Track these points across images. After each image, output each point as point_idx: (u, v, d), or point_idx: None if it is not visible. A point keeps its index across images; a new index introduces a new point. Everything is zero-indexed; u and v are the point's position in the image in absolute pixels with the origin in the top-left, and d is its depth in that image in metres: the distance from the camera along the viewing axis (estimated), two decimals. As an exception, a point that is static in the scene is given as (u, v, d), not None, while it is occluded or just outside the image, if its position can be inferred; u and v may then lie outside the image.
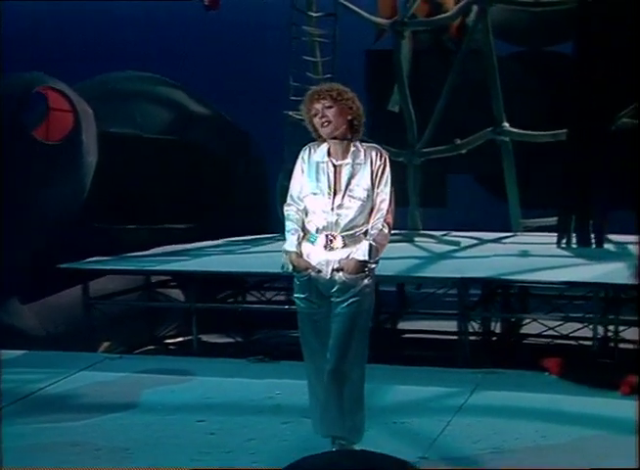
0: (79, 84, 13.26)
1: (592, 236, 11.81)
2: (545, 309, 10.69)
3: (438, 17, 14.28)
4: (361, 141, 5.41)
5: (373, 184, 5.29)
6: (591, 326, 9.45)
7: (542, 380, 7.91)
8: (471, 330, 9.45)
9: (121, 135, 13.33)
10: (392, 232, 5.46)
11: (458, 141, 13.61)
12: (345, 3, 13.97)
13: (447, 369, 8.29)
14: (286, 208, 5.47)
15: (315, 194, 5.30)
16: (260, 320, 12.03)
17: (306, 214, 5.37)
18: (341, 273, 5.25)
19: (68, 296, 11.27)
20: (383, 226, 5.27)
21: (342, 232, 5.26)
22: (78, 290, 10.51)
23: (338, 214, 5.25)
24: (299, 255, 5.33)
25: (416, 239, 12.66)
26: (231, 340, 11.79)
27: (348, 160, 5.32)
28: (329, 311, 5.33)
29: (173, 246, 11.96)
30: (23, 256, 11.37)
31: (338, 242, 5.27)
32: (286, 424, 6.59)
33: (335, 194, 5.28)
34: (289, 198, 5.46)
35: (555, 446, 6.11)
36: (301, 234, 5.37)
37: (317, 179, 5.32)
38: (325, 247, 5.27)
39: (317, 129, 5.34)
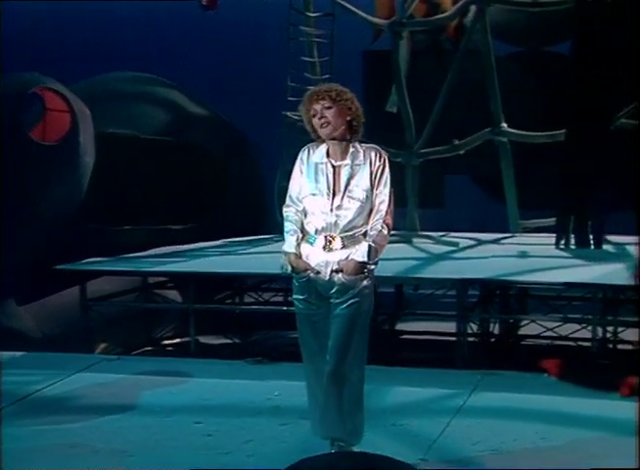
0: (76, 85, 13.22)
1: (591, 237, 11.80)
2: (544, 310, 10.68)
3: (436, 17, 14.29)
4: (360, 142, 5.39)
5: (372, 185, 5.27)
6: (590, 327, 9.42)
7: (541, 381, 7.91)
8: (469, 331, 9.42)
9: (119, 136, 13.28)
10: (391, 233, 5.43)
11: (456, 142, 13.60)
12: (343, 3, 13.96)
13: (446, 370, 8.28)
14: (285, 209, 5.46)
15: (314, 195, 5.28)
16: (258, 321, 12.00)
17: (305, 215, 5.35)
18: (340, 274, 5.23)
19: (64, 297, 11.22)
20: (382, 227, 5.26)
21: (341, 233, 5.24)
22: (75, 291, 10.45)
23: (337, 215, 5.23)
24: (299, 256, 5.31)
25: (414, 240, 12.65)
26: (229, 341, 11.76)
27: (347, 160, 5.30)
28: (328, 313, 5.31)
29: (171, 247, 11.92)
30: (20, 257, 11.33)
31: (337, 243, 5.25)
32: (284, 425, 6.57)
33: (334, 195, 5.26)
34: (288, 199, 5.44)
35: (554, 447, 6.10)
36: (300, 235, 5.35)
37: (316, 180, 5.30)
38: (324, 248, 5.26)
39: (316, 130, 5.32)
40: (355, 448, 5.39)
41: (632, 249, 10.59)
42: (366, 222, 5.28)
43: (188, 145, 13.98)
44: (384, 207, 5.27)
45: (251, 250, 11.96)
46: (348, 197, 5.25)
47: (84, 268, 10.24)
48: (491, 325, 11.07)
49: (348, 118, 5.29)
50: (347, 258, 5.23)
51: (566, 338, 10.65)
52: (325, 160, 5.32)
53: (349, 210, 5.24)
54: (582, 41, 12.19)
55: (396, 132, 13.40)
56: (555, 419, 6.66)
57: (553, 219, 12.49)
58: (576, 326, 10.31)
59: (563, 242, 11.91)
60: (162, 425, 6.64)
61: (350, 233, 5.25)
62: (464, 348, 8.89)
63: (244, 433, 6.42)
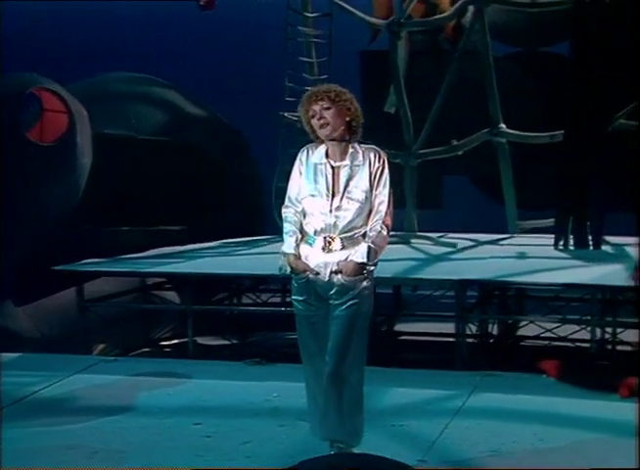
0: (73, 85, 13.20)
1: (589, 238, 11.78)
2: (542, 311, 10.67)
3: (435, 17, 14.28)
4: (359, 142, 5.37)
5: (371, 186, 5.25)
6: (589, 328, 9.41)
7: (540, 382, 7.90)
8: (468, 332, 9.41)
9: (116, 136, 13.28)
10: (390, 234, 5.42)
11: (454, 142, 13.59)
12: (341, 3, 13.95)
13: (445, 371, 8.27)
14: (284, 209, 5.44)
15: (313, 196, 5.27)
16: (256, 322, 11.99)
17: (304, 216, 5.34)
18: (339, 275, 5.22)
19: (62, 298, 11.21)
20: (381, 228, 5.24)
21: (340, 234, 5.23)
22: (73, 292, 10.45)
23: (336, 216, 5.22)
24: (298, 257, 5.29)
25: (412, 241, 12.63)
26: (227, 342, 11.74)
27: (347, 161, 5.29)
28: (327, 314, 5.30)
29: (168, 248, 11.90)
30: (18, 257, 11.32)
31: (336, 244, 5.23)
32: (283, 427, 6.56)
33: (333, 196, 5.24)
34: (287, 200, 5.43)
35: (554, 448, 6.09)
36: (299, 236, 5.34)
37: (315, 181, 5.28)
38: (323, 249, 5.24)
39: (315, 131, 5.30)
40: (355, 450, 5.38)
41: (631, 250, 10.59)
42: (365, 223, 5.26)
43: (185, 145, 13.97)
44: (383, 207, 5.25)
45: (249, 251, 11.93)
46: (348, 198, 5.23)
47: (82, 269, 10.22)
48: (490, 326, 11.06)
49: (347, 119, 5.27)
50: (347, 259, 5.21)
51: (565, 339, 10.65)
52: (324, 160, 5.30)
53: (349, 210, 5.22)
54: (580, 42, 12.18)
55: (395, 133, 13.40)
56: (554, 420, 6.65)
57: (552, 220, 12.48)
58: (575, 327, 10.30)
59: (561, 243, 11.90)
60: (161, 426, 6.63)
61: (350, 234, 5.23)
62: (463, 349, 8.88)
63: (242, 434, 6.40)
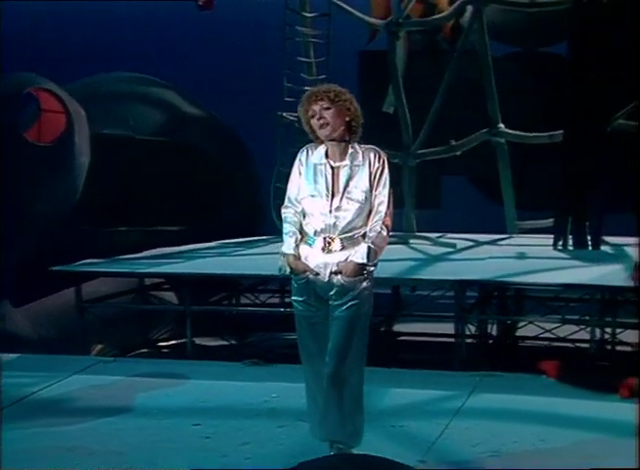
0: (71, 85, 13.19)
1: (589, 238, 11.78)
2: (541, 312, 10.66)
3: (433, 17, 14.27)
4: (358, 142, 5.35)
5: (371, 186, 5.24)
6: (588, 329, 9.39)
7: (540, 383, 7.88)
8: (467, 333, 9.40)
9: (114, 137, 13.25)
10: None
11: (453, 142, 13.59)
12: (339, 3, 13.94)
13: (444, 372, 8.25)
14: (283, 210, 5.42)
15: (313, 196, 5.25)
16: (254, 323, 11.97)
17: (304, 217, 5.32)
18: (339, 276, 5.20)
19: (60, 298, 11.20)
20: (381, 229, 5.22)
21: (340, 235, 5.21)
22: (71, 293, 10.43)
23: (336, 217, 5.20)
24: (297, 257, 5.27)
25: (411, 241, 12.61)
26: (225, 343, 11.73)
27: (347, 161, 5.27)
28: (327, 314, 5.28)
29: (166, 248, 11.88)
30: (16, 258, 11.29)
31: (336, 244, 5.21)
32: (281, 428, 6.54)
33: (333, 196, 5.22)
34: (286, 200, 5.41)
35: (554, 449, 6.07)
36: (299, 236, 5.32)
37: (315, 181, 5.26)
38: (323, 249, 5.22)
39: (315, 131, 5.28)
40: (354, 451, 5.36)
41: (630, 250, 10.59)
42: (365, 224, 5.24)
43: (183, 145, 13.95)
44: (383, 208, 5.23)
45: (247, 251, 11.91)
46: (347, 198, 5.21)
47: (80, 270, 10.20)
48: (489, 326, 11.05)
49: (347, 119, 5.25)
50: (347, 259, 5.19)
51: (564, 339, 10.63)
52: (324, 161, 5.28)
53: (348, 211, 5.20)
54: (579, 42, 12.18)
55: (393, 133, 13.38)
56: (554, 421, 6.64)
57: (551, 220, 12.48)
58: (575, 327, 10.29)
59: (561, 243, 11.89)
60: (160, 427, 6.61)
61: (349, 234, 5.21)
62: (462, 349, 8.86)
63: (241, 435, 6.39)
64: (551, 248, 11.84)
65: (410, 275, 9.85)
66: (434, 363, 8.78)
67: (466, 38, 13.70)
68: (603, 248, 11.77)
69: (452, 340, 9.18)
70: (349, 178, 5.23)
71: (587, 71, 11.86)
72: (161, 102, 14.49)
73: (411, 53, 14.66)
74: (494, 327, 11.12)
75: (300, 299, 5.32)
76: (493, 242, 12.76)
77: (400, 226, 12.97)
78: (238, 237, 13.13)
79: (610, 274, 9.43)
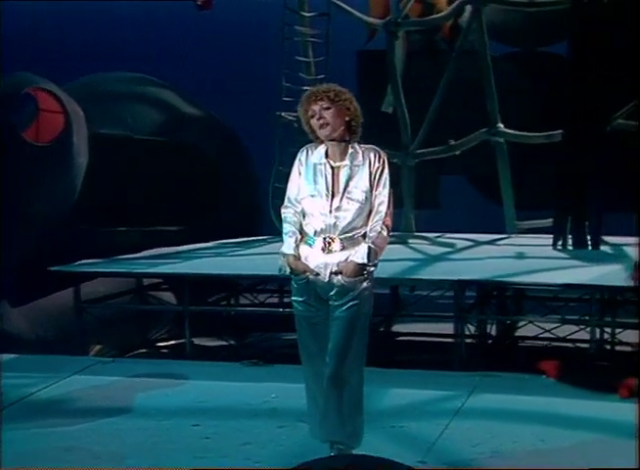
0: (69, 85, 13.16)
1: (588, 238, 11.77)
2: (541, 312, 10.64)
3: (432, 17, 14.25)
4: (358, 142, 5.33)
5: (371, 186, 5.22)
6: (588, 329, 9.38)
7: (540, 383, 7.89)
8: (466, 333, 9.39)
9: (112, 136, 13.23)
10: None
11: (452, 142, 13.57)
12: (338, 2, 13.91)
13: (444, 372, 8.26)
14: (283, 210, 5.41)
15: (313, 196, 5.24)
16: (253, 323, 11.96)
17: (304, 217, 5.31)
18: (339, 276, 5.18)
19: (58, 299, 11.17)
20: (382, 229, 5.21)
21: (340, 235, 5.19)
22: (69, 293, 10.41)
23: (336, 217, 5.19)
24: (297, 257, 5.26)
25: (410, 241, 12.60)
26: (224, 343, 11.71)
27: (346, 161, 5.25)
28: (327, 315, 5.27)
29: (165, 248, 11.87)
30: (14, 258, 11.27)
31: (336, 245, 5.20)
32: (282, 428, 6.55)
33: (333, 196, 5.21)
34: (286, 200, 5.40)
35: (554, 449, 6.07)
36: (299, 237, 5.31)
37: (315, 181, 5.25)
38: (323, 249, 5.21)
39: (315, 131, 5.27)
40: (355, 451, 5.34)
41: (630, 250, 10.57)
42: (365, 224, 5.23)
43: (181, 145, 13.93)
44: (383, 208, 5.22)
45: (246, 251, 11.90)
46: (347, 198, 5.20)
47: (78, 270, 10.19)
48: (489, 327, 11.03)
49: (347, 119, 5.24)
50: (347, 259, 5.18)
51: (564, 339, 10.62)
52: (324, 161, 5.27)
53: (349, 211, 5.19)
54: (578, 41, 12.17)
55: (392, 133, 13.36)
56: (554, 421, 6.64)
57: (550, 220, 12.45)
58: (574, 327, 10.28)
59: (560, 243, 11.88)
60: (159, 428, 6.60)
61: (350, 235, 5.20)
62: (461, 349, 8.86)
63: (241, 435, 6.39)
64: (550, 248, 11.82)
65: (409, 275, 9.84)
66: (433, 363, 8.79)
67: (465, 38, 13.69)
68: (602, 248, 11.75)
69: (451, 340, 9.18)
70: (349, 178, 5.22)
71: (587, 71, 11.85)
72: (160, 102, 14.46)
73: (410, 53, 14.64)
74: (494, 327, 11.10)
75: (300, 299, 5.30)
76: (492, 242, 12.74)
77: (399, 226, 12.96)
78: (236, 237, 13.12)
79: (609, 274, 9.43)
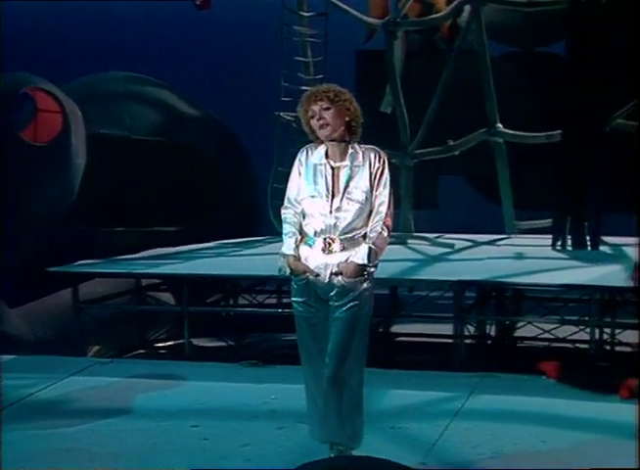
0: (67, 85, 13.14)
1: (587, 238, 11.76)
2: (540, 312, 10.63)
3: (431, 17, 14.25)
4: (358, 143, 5.32)
5: (372, 186, 5.20)
6: (588, 329, 9.37)
7: (539, 384, 7.87)
8: (466, 333, 9.38)
9: (110, 137, 13.22)
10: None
11: (451, 142, 13.56)
12: (336, 2, 13.90)
13: (443, 373, 8.25)
14: (283, 210, 5.39)
15: (313, 197, 5.21)
16: (252, 324, 11.94)
17: (304, 217, 5.28)
18: (339, 277, 5.16)
19: (57, 299, 11.16)
20: (382, 229, 5.19)
21: (340, 235, 5.17)
22: (67, 293, 10.40)
23: (336, 217, 5.16)
24: (297, 258, 5.23)
25: (409, 241, 12.58)
26: (223, 344, 11.70)
27: (347, 162, 5.23)
28: (327, 315, 5.25)
29: (163, 249, 11.85)
30: (12, 258, 11.25)
31: (336, 245, 5.18)
32: (281, 429, 6.53)
33: (333, 197, 5.19)
34: (286, 200, 5.37)
35: (554, 450, 6.06)
36: (299, 237, 5.28)
37: (315, 182, 5.23)
38: (323, 250, 5.19)
39: (315, 131, 5.25)
40: (355, 452, 5.32)
41: (629, 250, 10.57)
42: (366, 224, 5.21)
43: (180, 145, 13.92)
44: (383, 208, 5.20)
45: (245, 251, 11.89)
46: (348, 198, 5.18)
47: (76, 270, 10.17)
48: (488, 327, 11.02)
49: (347, 119, 5.22)
50: (347, 260, 5.16)
51: (563, 340, 10.61)
52: (324, 161, 5.25)
53: (349, 211, 5.17)
54: (577, 41, 12.17)
55: (391, 133, 13.34)
56: (554, 422, 6.63)
57: (549, 220, 12.45)
58: (574, 328, 10.27)
59: (559, 243, 11.87)
60: (159, 429, 6.58)
61: (350, 235, 5.18)
62: (461, 350, 8.85)
63: (241, 436, 6.37)
64: (550, 248, 11.82)
65: (408, 276, 9.84)
66: (432, 364, 8.77)
67: (464, 38, 13.69)
68: (602, 248, 11.76)
69: (451, 341, 9.17)
70: (350, 179, 5.20)
71: (585, 71, 11.85)
72: (158, 102, 14.45)
73: (409, 53, 14.64)
74: (493, 328, 11.09)
75: (300, 300, 5.28)
76: (492, 242, 12.74)
77: (398, 226, 12.93)
78: (235, 237, 13.10)
79: (609, 274, 9.44)
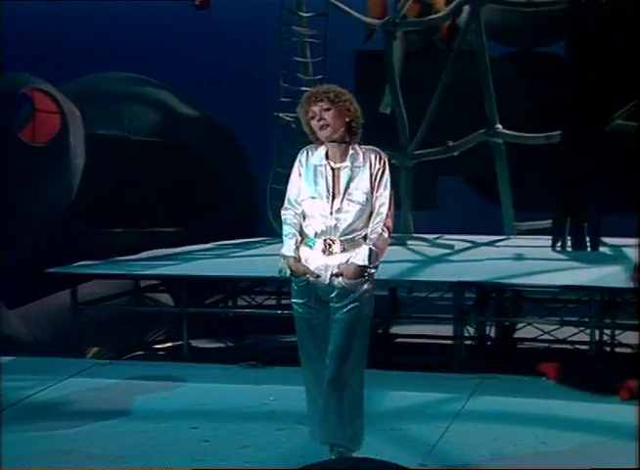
0: (66, 85, 13.13)
1: (587, 239, 11.74)
2: (540, 313, 10.63)
3: (430, 17, 14.24)
4: (359, 143, 5.30)
5: (372, 187, 5.19)
6: (588, 330, 9.36)
7: (539, 385, 7.86)
8: (466, 334, 9.36)
9: (109, 137, 13.20)
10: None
11: (450, 143, 13.55)
12: (336, 3, 13.88)
13: (443, 374, 8.24)
14: (283, 211, 5.37)
15: (313, 198, 5.20)
16: (251, 325, 11.93)
17: (304, 218, 5.27)
18: (340, 278, 5.15)
19: (55, 300, 11.14)
20: (382, 230, 5.17)
21: (340, 236, 5.16)
22: (66, 294, 10.39)
23: (337, 219, 5.15)
24: (298, 259, 5.22)
25: (408, 242, 12.57)
26: (222, 345, 11.69)
27: (347, 163, 5.22)
28: (327, 317, 5.24)
29: (162, 249, 11.83)
30: (10, 259, 11.23)
31: (336, 246, 5.17)
32: (281, 431, 6.51)
33: (333, 198, 5.18)
34: (286, 201, 5.36)
35: (554, 452, 6.04)
36: (299, 238, 5.27)
37: (315, 183, 5.22)
38: (323, 251, 5.17)
39: (315, 132, 5.24)
40: (355, 454, 5.31)
41: (629, 251, 10.56)
42: (366, 225, 5.20)
43: (178, 146, 13.91)
44: (384, 209, 5.19)
45: (244, 252, 11.87)
46: (348, 200, 5.17)
47: (75, 271, 10.15)
48: (488, 328, 11.01)
49: (347, 120, 5.21)
50: (347, 261, 5.15)
51: (563, 341, 10.60)
52: (324, 162, 5.23)
53: (349, 213, 5.16)
54: (577, 42, 12.15)
55: (390, 134, 13.33)
56: (554, 423, 6.62)
57: (549, 221, 12.43)
58: (574, 329, 10.26)
59: (559, 244, 11.85)
60: (158, 430, 6.57)
61: (350, 236, 5.17)
62: (461, 351, 8.83)
63: (241, 438, 6.36)
64: (549, 249, 11.80)
65: (408, 277, 9.83)
66: (432, 365, 8.76)
67: (463, 38, 13.67)
68: (602, 249, 11.73)
69: (451, 342, 9.16)
70: (350, 180, 5.19)
71: (585, 71, 11.84)
72: (157, 102, 14.44)
73: (408, 53, 14.63)
74: (493, 329, 11.08)
75: (301, 301, 5.27)
76: (491, 243, 12.74)
77: (397, 227, 12.90)
78: (234, 238, 13.10)
79: (609, 275, 9.42)
